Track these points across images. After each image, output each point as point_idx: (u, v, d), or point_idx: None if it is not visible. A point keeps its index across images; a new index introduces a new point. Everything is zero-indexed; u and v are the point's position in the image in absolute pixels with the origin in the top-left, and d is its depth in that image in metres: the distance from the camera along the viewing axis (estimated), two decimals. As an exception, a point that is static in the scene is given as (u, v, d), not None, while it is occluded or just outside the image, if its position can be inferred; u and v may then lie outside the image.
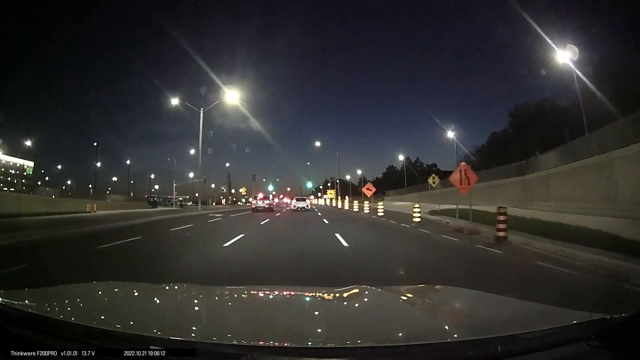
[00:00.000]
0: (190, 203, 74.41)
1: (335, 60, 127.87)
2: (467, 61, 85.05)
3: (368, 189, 23.31)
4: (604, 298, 3.68)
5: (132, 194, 68.98)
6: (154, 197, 65.90)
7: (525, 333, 1.09)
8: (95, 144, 68.42)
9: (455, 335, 1.19)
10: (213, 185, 72.70)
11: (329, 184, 78.07)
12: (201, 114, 26.82)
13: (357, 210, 24.80)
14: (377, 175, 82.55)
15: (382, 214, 17.66)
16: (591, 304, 3.28)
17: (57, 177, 75.84)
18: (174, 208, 44.14)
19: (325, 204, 45.47)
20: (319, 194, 76.53)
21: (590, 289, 4.17)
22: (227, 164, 70.22)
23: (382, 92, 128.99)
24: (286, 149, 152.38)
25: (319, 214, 21.37)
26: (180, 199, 68.93)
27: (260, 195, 29.96)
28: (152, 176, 68.50)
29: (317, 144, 46.73)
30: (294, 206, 30.06)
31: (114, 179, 75.11)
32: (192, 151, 51.58)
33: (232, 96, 25.59)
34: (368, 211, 21.69)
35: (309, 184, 70.93)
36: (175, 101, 26.80)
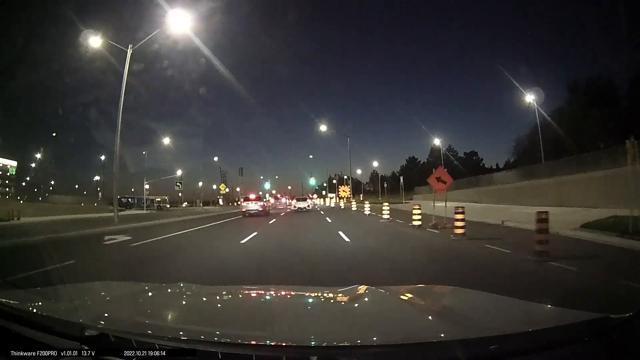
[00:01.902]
0: (186, 204, 65.70)
1: (343, 41, 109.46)
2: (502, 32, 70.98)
3: (440, 178, 11.60)
4: (604, 298, 3.31)
5: (100, 194, 58.73)
6: (128, 198, 55.85)
7: (525, 333, 1.10)
8: (54, 134, 58.92)
9: (456, 335, 1.11)
10: (200, 184, 61.98)
11: (334, 181, 67.81)
12: (128, 52, 15.95)
13: (433, 227, 10.72)
14: (393, 169, 70.70)
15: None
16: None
17: (40, 177, 66.49)
18: (145, 212, 36.34)
19: (339, 206, 32.75)
20: (324, 192, 65.54)
21: None
22: (216, 158, 58.77)
23: (396, 70, 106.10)
24: (286, 143, 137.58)
25: (346, 238, 8.58)
26: (159, 199, 59.23)
27: (252, 196, 23.30)
28: (115, 169, 57.15)
29: (323, 127, 35.47)
30: (294, 206, 28.71)
31: (96, 178, 64.63)
32: (167, 140, 40.14)
33: (179, 21, 14.75)
34: (462, 230, 8.41)
35: (312, 181, 60.54)
36: (96, 41, 15.99)
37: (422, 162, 62.53)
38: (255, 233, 10.16)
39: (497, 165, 55.51)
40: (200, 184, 61.72)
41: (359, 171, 63.68)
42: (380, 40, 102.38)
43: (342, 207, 30.41)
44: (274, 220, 16.24)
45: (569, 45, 52.27)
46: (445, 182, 11.66)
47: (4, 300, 1.39)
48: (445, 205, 11.67)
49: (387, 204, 13.92)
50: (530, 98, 26.14)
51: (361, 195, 42.94)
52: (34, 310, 1.34)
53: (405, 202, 30.13)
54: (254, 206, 21.72)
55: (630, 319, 1.07)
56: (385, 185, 45.06)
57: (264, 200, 27.59)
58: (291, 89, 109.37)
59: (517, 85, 27.31)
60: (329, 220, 14.86)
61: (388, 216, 13.68)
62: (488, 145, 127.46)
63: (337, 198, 48.22)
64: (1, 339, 1.17)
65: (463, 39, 79.27)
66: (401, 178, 29.75)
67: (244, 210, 22.02)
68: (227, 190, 69.36)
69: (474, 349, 1.02)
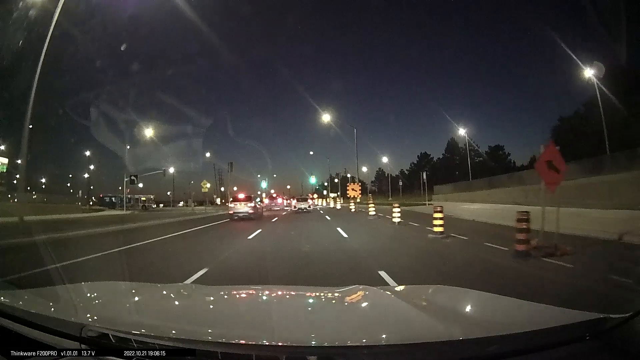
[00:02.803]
0: (182, 204, 60.49)
1: (342, 31, 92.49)
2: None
3: (551, 163, 5.74)
4: (604, 298, 3.23)
5: (80, 192, 53.64)
6: (112, 197, 52.25)
7: (525, 333, 1.08)
8: (30, 126, 53.68)
9: (456, 335, 1.12)
10: (192, 182, 56.63)
11: (335, 180, 62.81)
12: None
13: (543, 251, 5.87)
14: (401, 167, 64.56)
15: None
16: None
17: (34, 174, 61.76)
18: (122, 212, 33.09)
19: (347, 208, 25.20)
20: (325, 192, 60.54)
21: None
22: (208, 154, 52.48)
23: (404, 55, 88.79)
24: (285, 141, 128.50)
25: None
26: (143, 198, 54.36)
27: (241, 196, 19.59)
28: (92, 166, 52.22)
29: (326, 117, 29.95)
30: (294, 207, 27.32)
31: (85, 175, 59.30)
32: (150, 132, 34.65)
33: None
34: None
35: (313, 179, 55.54)
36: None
37: (435, 159, 57.00)
38: (203, 271, 4.93)
39: (513, 162, 50.10)
40: (192, 182, 56.38)
41: (364, 169, 57.96)
42: (384, 23, 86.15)
43: (353, 209, 23.13)
44: (260, 231, 10.92)
45: (602, 31, 46.31)
46: (558, 171, 6.44)
47: (4, 300, 1.39)
48: (558, 213, 6.52)
49: (440, 209, 8.57)
50: (589, 73, 21.11)
51: (370, 195, 37.67)
52: (34, 310, 1.30)
53: (429, 204, 24.87)
54: (243, 208, 18.21)
55: (630, 318, 1.06)
56: (401, 184, 39.51)
57: (256, 201, 22.65)
58: (291, 84, 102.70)
59: (573, 59, 22.18)
60: (344, 235, 9.37)
61: (441, 229, 8.44)
62: (514, 139, 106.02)
63: (341, 198, 42.98)
64: (1, 339, 1.17)
65: (482, 19, 64.63)
66: (423, 174, 24.45)
67: (231, 212, 18.37)
68: (222, 188, 64.25)
69: (474, 349, 1.02)
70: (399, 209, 11.58)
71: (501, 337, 1.04)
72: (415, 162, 59.56)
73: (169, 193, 62.04)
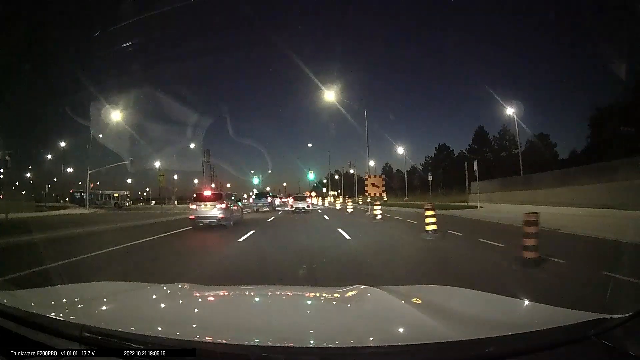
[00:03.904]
0: (177, 202, 54.12)
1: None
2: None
3: None
4: (604, 298, 3.15)
5: (47, 188, 47.26)
6: (82, 193, 44.56)
7: (525, 333, 1.08)
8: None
9: (457, 336, 1.09)
10: (175, 177, 50.01)
11: (336, 177, 56.63)
12: None
13: None
14: (416, 162, 56.74)
15: None
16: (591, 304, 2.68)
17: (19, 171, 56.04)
18: (86, 211, 28.84)
19: (367, 214, 16.47)
20: (325, 190, 54.31)
21: None
22: (192, 145, 45.41)
23: (419, 25, 74.06)
24: (282, 135, 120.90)
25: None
26: (116, 194, 47.92)
27: (207, 193, 12.92)
28: (49, 156, 45.75)
29: (329, 95, 23.08)
30: (291, 206, 24.50)
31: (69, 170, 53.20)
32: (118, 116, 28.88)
33: None
34: None
35: (311, 175, 49.45)
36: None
37: (457, 152, 49.18)
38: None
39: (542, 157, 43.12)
40: (176, 177, 49.68)
41: (371, 163, 51.14)
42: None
43: (379, 216, 13.76)
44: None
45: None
46: None
47: (4, 300, 1.37)
48: None
49: None
50: None
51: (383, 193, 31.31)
52: (34, 310, 1.30)
53: (480, 206, 18.46)
54: (209, 211, 12.22)
55: (631, 318, 1.06)
56: (430, 178, 32.21)
57: (232, 199, 16.00)
58: (289, 73, 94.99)
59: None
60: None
61: None
62: (550, 128, 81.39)
63: (344, 197, 36.74)
64: (1, 339, 1.16)
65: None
66: (475, 163, 17.94)
67: (192, 217, 12.46)
68: (213, 184, 57.56)
69: (475, 349, 1.02)
70: (534, 232, 5.03)
71: (501, 337, 1.04)
72: (433, 155, 52.73)
73: (147, 189, 55.61)
